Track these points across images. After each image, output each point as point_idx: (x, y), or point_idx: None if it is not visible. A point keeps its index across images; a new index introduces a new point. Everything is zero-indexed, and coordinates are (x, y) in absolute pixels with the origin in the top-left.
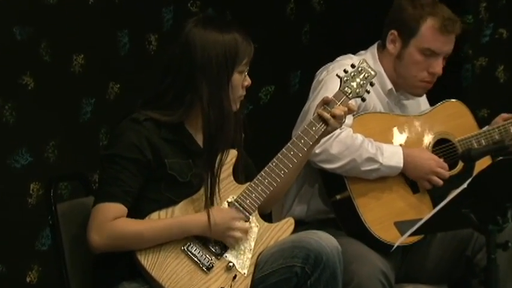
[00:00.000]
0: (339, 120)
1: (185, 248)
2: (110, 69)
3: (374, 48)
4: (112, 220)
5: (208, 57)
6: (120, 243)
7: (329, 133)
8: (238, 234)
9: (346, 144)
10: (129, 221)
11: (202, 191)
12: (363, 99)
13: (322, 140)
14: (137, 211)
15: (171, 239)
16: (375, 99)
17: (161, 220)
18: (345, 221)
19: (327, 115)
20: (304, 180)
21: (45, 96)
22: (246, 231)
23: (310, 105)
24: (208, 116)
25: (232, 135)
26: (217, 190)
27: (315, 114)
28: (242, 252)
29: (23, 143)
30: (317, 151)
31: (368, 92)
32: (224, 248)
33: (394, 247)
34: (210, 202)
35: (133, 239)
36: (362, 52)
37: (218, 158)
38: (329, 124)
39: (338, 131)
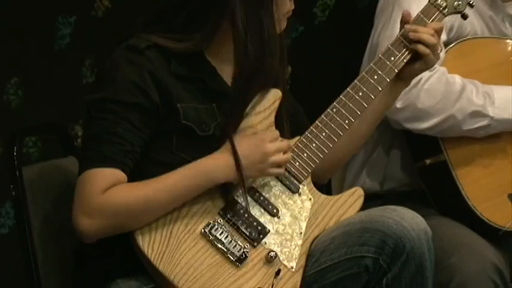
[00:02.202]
0: (434, 47)
1: (207, 230)
2: None
3: None
4: (105, 191)
5: None
6: (120, 219)
7: (418, 73)
8: (280, 157)
9: (440, 92)
10: (126, 185)
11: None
12: (464, 16)
13: (405, 90)
14: (140, 177)
15: (188, 198)
16: (471, 17)
17: (169, 174)
18: (438, 194)
19: (416, 35)
20: (376, 142)
21: (4, 13)
22: (287, 148)
23: (379, 36)
24: (244, 45)
25: (275, 71)
26: None
27: (396, 37)
28: (289, 236)
29: None
30: (399, 106)
31: (471, 5)
32: (262, 231)
33: (503, 230)
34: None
35: (137, 209)
36: None
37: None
38: (420, 53)
39: (427, 73)
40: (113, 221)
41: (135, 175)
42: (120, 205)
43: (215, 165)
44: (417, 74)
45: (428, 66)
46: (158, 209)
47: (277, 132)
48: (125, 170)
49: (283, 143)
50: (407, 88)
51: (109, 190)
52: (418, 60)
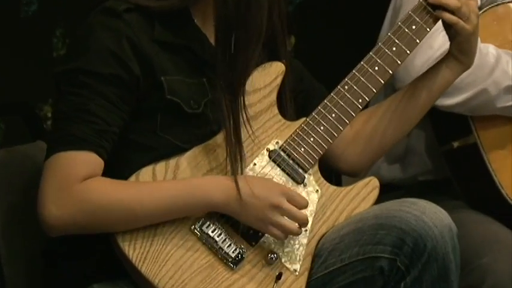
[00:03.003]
0: (460, 12)
1: (197, 227)
2: None
3: None
4: (81, 180)
5: None
6: (94, 221)
7: (462, 46)
8: (290, 225)
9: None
10: (109, 183)
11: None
12: None
13: (432, 58)
14: (119, 165)
15: (177, 216)
16: None
17: (162, 184)
18: (466, 182)
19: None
20: None
21: None
22: (301, 221)
23: None
24: None
25: (262, 30)
26: (250, 130)
27: (418, 1)
28: (292, 236)
29: None
30: None
31: None
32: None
33: None
34: (238, 155)
35: (119, 216)
36: None
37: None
38: (446, 21)
39: None
40: (85, 219)
41: (112, 160)
42: (99, 203)
43: (212, 191)
44: (463, 47)
45: (462, 36)
46: (140, 220)
47: (306, 201)
48: (101, 154)
49: (302, 214)
50: (433, 56)
51: (88, 181)
52: (451, 30)
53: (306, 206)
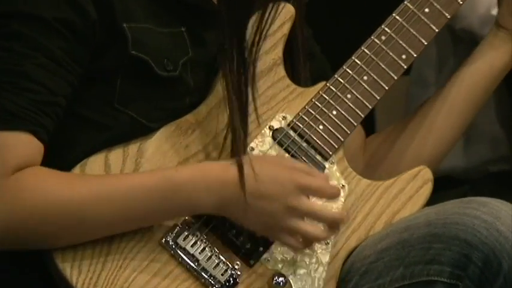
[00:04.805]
0: None
1: (169, 239)
2: None
3: None
4: (12, 172)
5: None
6: (28, 231)
7: None
8: (314, 229)
9: None
10: (50, 175)
11: (211, 102)
12: None
13: None
14: (59, 150)
15: (146, 225)
16: None
17: (124, 179)
18: None
19: None
20: None
21: None
22: (335, 220)
23: None
24: None
25: None
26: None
27: None
28: (307, 249)
29: None
30: (495, 12)
31: None
32: (262, 241)
33: None
34: (243, 137)
35: (63, 223)
36: None
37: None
38: None
39: None
40: (18, 227)
41: (50, 143)
42: (36, 205)
43: (201, 183)
44: None
45: None
46: (95, 230)
47: (336, 190)
48: (41, 135)
49: (328, 213)
50: None
51: (21, 173)
52: None
53: (336, 196)
